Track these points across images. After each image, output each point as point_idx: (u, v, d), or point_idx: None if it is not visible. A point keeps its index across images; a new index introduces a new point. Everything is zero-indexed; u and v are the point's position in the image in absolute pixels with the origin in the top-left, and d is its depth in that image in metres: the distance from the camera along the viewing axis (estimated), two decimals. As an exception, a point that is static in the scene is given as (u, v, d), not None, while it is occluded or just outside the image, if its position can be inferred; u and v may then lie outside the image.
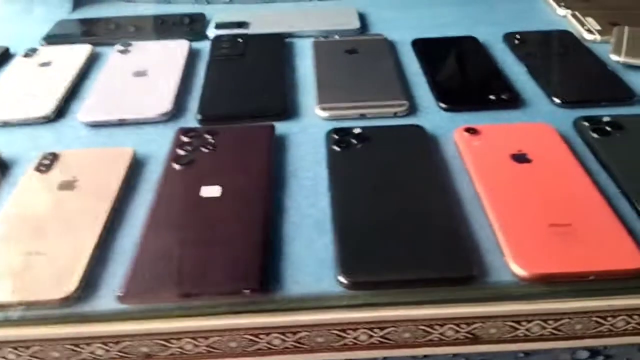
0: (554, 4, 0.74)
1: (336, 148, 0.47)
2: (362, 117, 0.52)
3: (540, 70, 0.58)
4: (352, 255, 0.37)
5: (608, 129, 0.48)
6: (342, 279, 0.36)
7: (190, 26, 0.70)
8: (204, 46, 0.66)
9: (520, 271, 0.36)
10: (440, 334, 0.36)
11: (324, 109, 0.53)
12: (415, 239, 0.38)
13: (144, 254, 0.37)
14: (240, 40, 0.65)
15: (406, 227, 0.39)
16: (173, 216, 0.41)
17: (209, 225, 0.40)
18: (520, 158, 0.45)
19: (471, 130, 0.48)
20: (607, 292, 0.36)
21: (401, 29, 0.70)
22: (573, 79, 0.57)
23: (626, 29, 0.64)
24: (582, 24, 0.68)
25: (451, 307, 0.35)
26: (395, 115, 0.53)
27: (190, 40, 0.66)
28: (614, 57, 0.59)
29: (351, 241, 0.38)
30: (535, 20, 0.71)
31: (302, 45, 0.66)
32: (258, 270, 0.36)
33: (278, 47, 0.64)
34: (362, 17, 0.73)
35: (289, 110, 0.54)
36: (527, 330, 0.36)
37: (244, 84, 0.57)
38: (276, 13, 0.75)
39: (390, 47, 0.64)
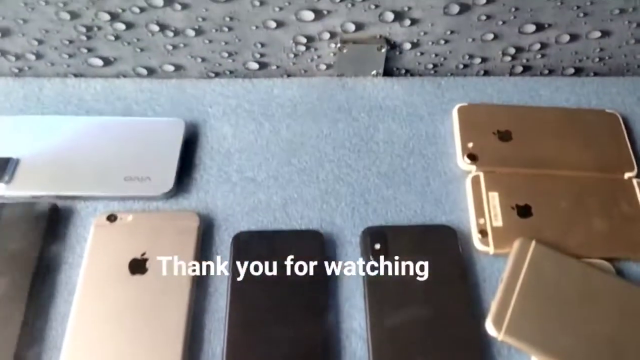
0: (459, 147, 0.52)
1: None
2: None
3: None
4: None
5: None
6: None
7: None
8: None
9: None
10: None
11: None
12: None
13: None
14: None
15: None
16: None
17: None
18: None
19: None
20: None
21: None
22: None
23: (530, 252, 0.44)
24: (480, 213, 0.47)
25: None
26: None
27: None
28: (491, 331, 0.42)
29: None
30: (435, 170, 0.51)
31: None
32: None
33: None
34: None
35: None
36: None
37: None
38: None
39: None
